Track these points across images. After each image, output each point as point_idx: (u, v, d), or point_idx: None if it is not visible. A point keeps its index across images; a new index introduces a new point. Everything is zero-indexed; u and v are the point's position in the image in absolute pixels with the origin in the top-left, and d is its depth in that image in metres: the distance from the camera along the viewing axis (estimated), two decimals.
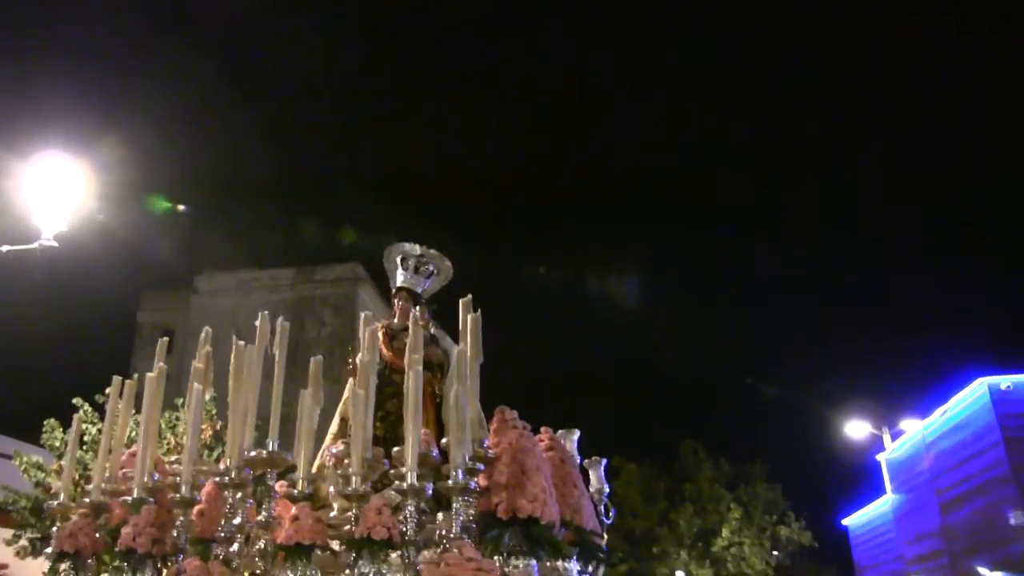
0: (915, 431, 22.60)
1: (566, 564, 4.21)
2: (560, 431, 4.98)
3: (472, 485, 3.63)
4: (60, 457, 10.86)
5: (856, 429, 24.89)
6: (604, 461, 5.49)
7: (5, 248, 8.24)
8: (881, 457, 25.48)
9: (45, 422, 11.30)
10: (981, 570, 17.88)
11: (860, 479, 29.30)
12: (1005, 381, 17.62)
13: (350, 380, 5.41)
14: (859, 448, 26.09)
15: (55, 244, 8.17)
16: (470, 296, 4.48)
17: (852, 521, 30.98)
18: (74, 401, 10.46)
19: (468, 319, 4.22)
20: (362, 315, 5.13)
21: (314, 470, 4.89)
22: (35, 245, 8.27)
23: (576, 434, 5.29)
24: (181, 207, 29.32)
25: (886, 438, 24.54)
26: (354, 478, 3.61)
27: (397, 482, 3.63)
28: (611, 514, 5.42)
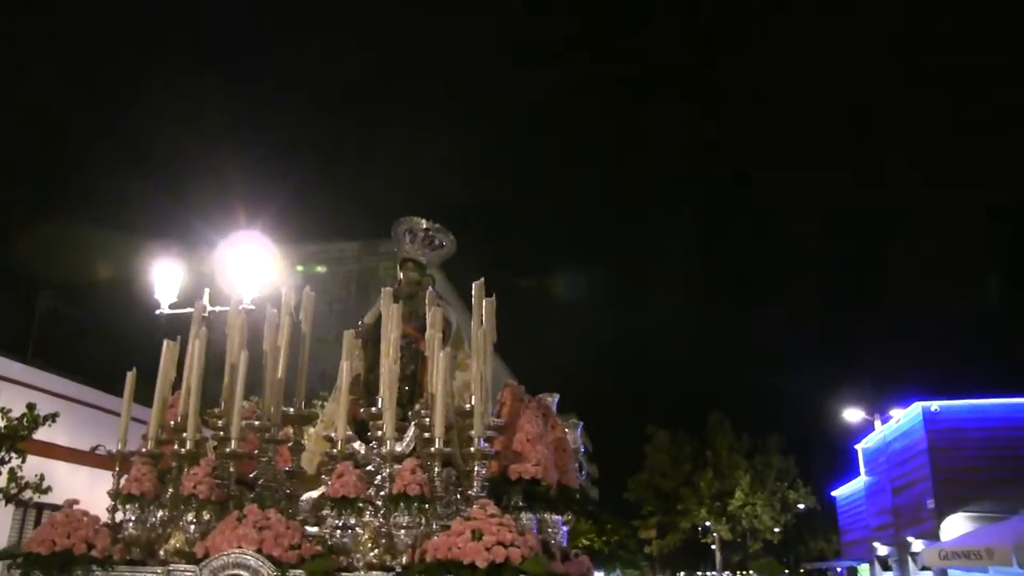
0: (881, 429, 28.40)
1: (553, 516, 4.86)
2: (541, 394, 5.42)
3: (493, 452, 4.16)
4: None
5: (852, 415, 29.97)
6: (581, 424, 5.92)
7: (217, 308, 9.81)
8: (858, 446, 31.18)
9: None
10: (910, 539, 23.72)
11: (848, 458, 34.72)
12: (935, 404, 23.67)
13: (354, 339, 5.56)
14: (853, 431, 31.33)
15: (253, 307, 9.46)
16: (482, 279, 4.92)
17: (838, 493, 36.80)
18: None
19: (484, 303, 4.68)
20: (383, 290, 5.46)
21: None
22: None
23: (556, 397, 5.70)
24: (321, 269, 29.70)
25: (877, 423, 29.01)
26: (388, 440, 4.09)
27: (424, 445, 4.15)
28: (583, 472, 5.90)
